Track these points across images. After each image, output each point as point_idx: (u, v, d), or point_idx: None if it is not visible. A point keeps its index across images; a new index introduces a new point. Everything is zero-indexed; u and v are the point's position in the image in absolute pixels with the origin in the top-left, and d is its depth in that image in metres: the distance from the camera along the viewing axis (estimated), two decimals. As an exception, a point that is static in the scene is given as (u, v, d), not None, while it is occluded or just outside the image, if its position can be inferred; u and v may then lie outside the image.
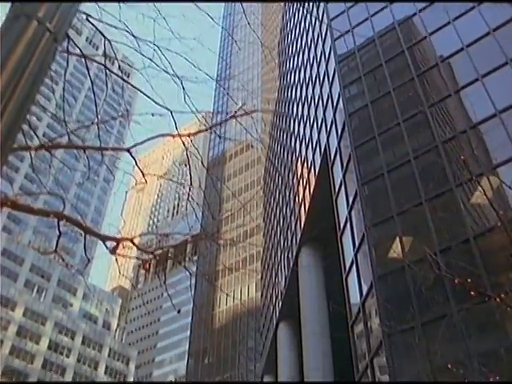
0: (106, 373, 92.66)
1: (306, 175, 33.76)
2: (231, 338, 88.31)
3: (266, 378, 46.45)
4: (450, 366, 8.54)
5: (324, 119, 29.68)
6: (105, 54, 6.94)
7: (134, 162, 7.88)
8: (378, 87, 24.68)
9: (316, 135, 31.53)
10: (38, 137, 7.43)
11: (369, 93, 24.53)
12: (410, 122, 21.46)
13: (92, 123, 8.82)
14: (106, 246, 7.34)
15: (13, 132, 2.36)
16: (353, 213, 22.56)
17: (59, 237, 7.33)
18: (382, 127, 22.33)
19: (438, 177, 18.14)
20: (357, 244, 21.15)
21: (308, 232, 31.70)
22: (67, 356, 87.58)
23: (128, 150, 7.50)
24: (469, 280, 7.96)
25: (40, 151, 6.98)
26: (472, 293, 7.98)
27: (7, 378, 77.50)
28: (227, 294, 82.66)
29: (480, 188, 14.93)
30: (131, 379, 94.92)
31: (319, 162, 29.76)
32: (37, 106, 7.65)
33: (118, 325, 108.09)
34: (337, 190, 25.37)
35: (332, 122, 27.41)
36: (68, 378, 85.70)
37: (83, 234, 7.08)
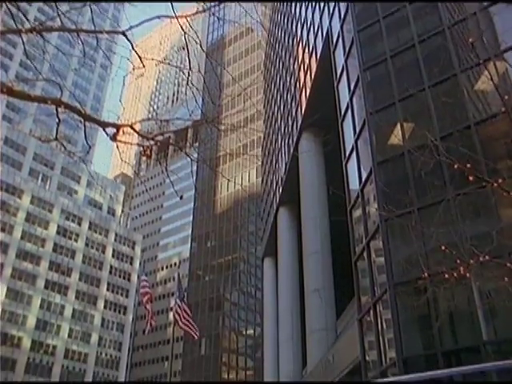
0: (113, 256, 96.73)
1: (307, 60, 32.90)
2: (232, 223, 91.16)
3: (267, 261, 48.53)
4: (443, 248, 8.86)
5: (326, 1, 28.36)
6: None
7: (130, 46, 7.65)
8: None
9: (318, 18, 30.31)
10: (28, 20, 7.15)
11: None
12: (416, 5, 20.50)
13: (84, 5, 8.44)
14: (106, 132, 7.33)
15: None
16: (354, 99, 22.27)
17: (58, 124, 7.30)
18: (387, 10, 21.37)
19: (443, 62, 17.65)
20: (357, 130, 21.10)
21: (308, 118, 31.51)
22: (75, 240, 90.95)
23: (123, 33, 7.24)
24: (468, 165, 8.02)
25: (33, 37, 6.75)
26: (470, 178, 8.07)
27: (21, 260, 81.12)
28: (228, 180, 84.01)
29: (485, 74, 14.60)
30: (137, 262, 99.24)
31: (321, 46, 28.88)
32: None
33: (122, 211, 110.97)
34: (338, 75, 24.85)
35: (335, 5, 26.22)
36: (78, 260, 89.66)
37: (83, 121, 7.04)
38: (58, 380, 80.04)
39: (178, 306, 16.07)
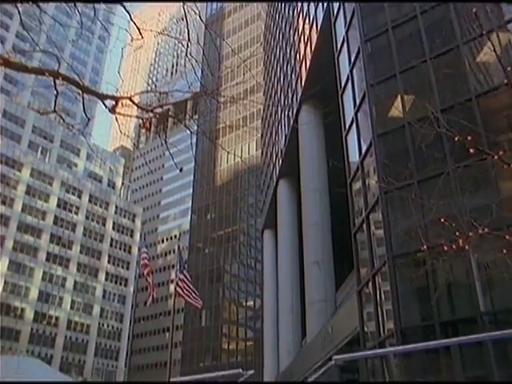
0: (113, 229, 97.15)
1: (307, 31, 32.50)
2: (232, 195, 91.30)
3: (267, 233, 48.77)
4: (442, 220, 8.89)
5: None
6: None
7: (128, 17, 7.54)
8: None
9: (319, -13, 29.83)
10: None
11: None
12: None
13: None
14: (104, 104, 7.28)
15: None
16: (354, 71, 22.06)
17: (56, 96, 7.25)
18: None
19: (445, 33, 17.42)
20: (357, 102, 20.96)
21: (308, 90, 31.27)
22: (76, 213, 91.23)
23: (121, 3, 7.14)
24: (468, 138, 7.98)
25: (29, 7, 6.65)
26: (471, 150, 8.04)
27: (22, 233, 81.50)
28: (228, 152, 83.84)
29: (488, 45, 14.41)
30: (138, 235, 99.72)
31: (321, 17, 28.49)
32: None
33: (122, 183, 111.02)
34: (339, 46, 24.56)
35: (336, -26, 25.78)
36: (78, 233, 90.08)
37: (81, 94, 6.99)
38: (61, 350, 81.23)
39: (179, 278, 16.18)
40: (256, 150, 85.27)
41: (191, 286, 16.57)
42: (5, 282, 77.58)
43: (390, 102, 19.21)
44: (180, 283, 16.04)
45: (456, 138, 8.10)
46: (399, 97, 18.45)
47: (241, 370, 11.29)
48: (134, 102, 7.51)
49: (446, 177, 13.93)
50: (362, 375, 19.23)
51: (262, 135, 60.16)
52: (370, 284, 17.99)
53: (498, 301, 14.26)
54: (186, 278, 16.40)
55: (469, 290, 14.26)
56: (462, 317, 14.83)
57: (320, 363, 22.60)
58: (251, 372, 11.47)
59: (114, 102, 7.34)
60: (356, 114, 21.20)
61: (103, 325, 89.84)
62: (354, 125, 21.42)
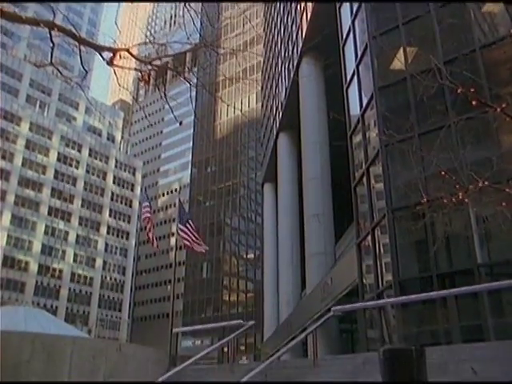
0: (114, 182, 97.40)
1: (309, -20, 31.62)
2: (232, 148, 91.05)
3: (267, 186, 48.88)
4: (443, 173, 8.89)
5: None
6: None
7: (124, -34, 7.32)
8: None
9: None
10: None
11: None
12: None
13: None
14: (102, 56, 7.17)
15: None
16: (356, 22, 21.58)
17: (53, 48, 7.12)
18: None
19: (450, -19, 16.95)
20: (359, 55, 20.62)
21: (309, 41, 30.67)
22: (76, 167, 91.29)
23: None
24: (471, 90, 7.89)
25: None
26: (473, 103, 7.96)
27: (23, 187, 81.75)
28: (228, 105, 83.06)
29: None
30: (138, 188, 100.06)
31: (324, -36, 27.66)
32: None
33: (122, 137, 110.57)
34: (341, -4, 23.96)
35: None
36: (79, 187, 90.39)
37: (78, 45, 6.87)
38: (65, 302, 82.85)
39: (180, 228, 16.30)
40: (256, 102, 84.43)
41: (195, 233, 16.69)
42: (8, 236, 78.40)
43: (392, 54, 18.89)
44: (182, 233, 16.17)
45: (458, 90, 8.00)
46: (402, 49, 18.12)
47: (241, 321, 11.52)
48: (131, 54, 7.39)
49: (447, 130, 13.83)
50: (360, 326, 19.67)
51: (262, 88, 59.44)
52: (370, 237, 18.16)
53: (494, 253, 14.44)
54: (191, 226, 16.50)
55: (467, 242, 14.41)
56: (459, 269, 15.05)
57: (319, 314, 23.07)
58: (252, 322, 11.69)
59: (111, 54, 7.23)
60: (357, 67, 20.88)
61: (106, 277, 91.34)
62: (356, 77, 21.14)
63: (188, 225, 16.48)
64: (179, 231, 16.23)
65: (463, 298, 13.81)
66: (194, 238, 16.43)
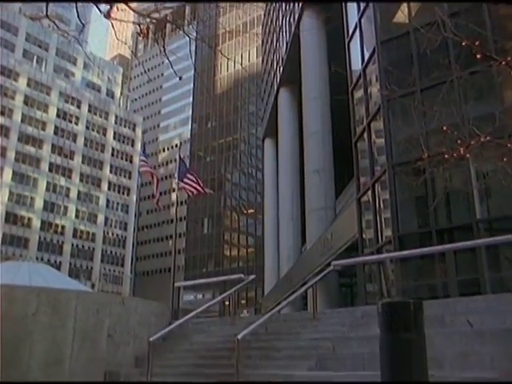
0: (114, 138, 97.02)
1: None
2: (233, 103, 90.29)
3: (267, 142, 48.69)
4: (444, 128, 8.84)
5: None
6: None
7: None
8: None
9: None
10: None
11: None
12: None
13: None
14: (99, 9, 7.02)
15: None
16: (360, -28, 21.04)
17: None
18: None
19: None
20: (361, 8, 20.19)
21: (311, -6, 29.98)
22: (76, 124, 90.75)
23: None
24: (476, 43, 7.75)
25: None
26: (478, 56, 7.83)
27: (23, 143, 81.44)
28: (228, 59, 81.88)
29: None
30: (138, 144, 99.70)
31: None
32: None
33: (121, 93, 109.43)
34: None
35: None
36: (79, 144, 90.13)
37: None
38: (68, 257, 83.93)
39: (182, 180, 16.27)
40: (256, 57, 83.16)
41: (197, 180, 16.67)
42: (10, 193, 78.71)
43: (395, 6, 18.47)
44: (186, 183, 16.16)
45: (463, 43, 7.87)
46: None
47: (242, 275, 11.70)
48: (129, 7, 7.23)
49: (450, 84, 13.67)
50: (359, 280, 19.97)
51: (262, 42, 58.40)
52: (370, 192, 18.22)
53: (493, 209, 14.53)
54: (192, 175, 16.45)
55: (466, 198, 14.47)
56: (458, 224, 15.16)
57: (319, 268, 23.38)
58: (252, 277, 11.87)
59: (108, 7, 7.08)
60: (360, 20, 20.46)
61: (108, 233, 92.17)
62: (358, 31, 20.75)
63: (189, 175, 16.43)
64: (182, 183, 16.19)
65: (461, 252, 13.97)
66: (197, 186, 16.42)
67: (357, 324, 8.60)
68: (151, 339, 8.38)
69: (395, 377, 5.03)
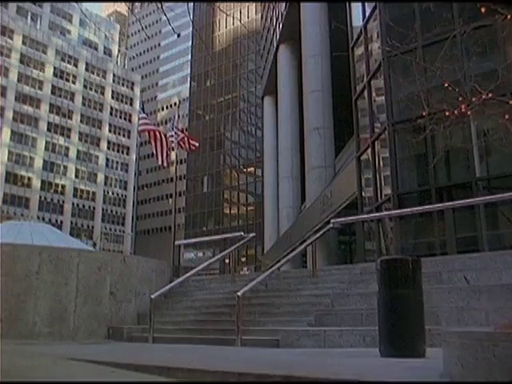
0: (112, 97, 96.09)
1: None
2: (232, 61, 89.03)
3: (267, 99, 48.25)
4: (446, 85, 8.74)
5: None
6: None
7: None
8: None
9: None
10: None
11: None
12: None
13: None
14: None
15: None
16: None
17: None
18: None
19: None
20: (364, -40, 19.67)
21: None
22: (73, 82, 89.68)
23: None
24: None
25: None
26: (482, 10, 7.68)
27: (21, 103, 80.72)
28: (227, 15, 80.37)
29: None
30: (137, 103, 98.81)
31: None
32: None
33: (118, 51, 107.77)
34: None
35: None
36: (77, 103, 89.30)
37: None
38: (69, 216, 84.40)
39: (171, 135, 16.30)
40: (256, 13, 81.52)
41: (185, 133, 16.75)
42: (9, 152, 78.52)
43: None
44: (171, 138, 16.21)
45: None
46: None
47: (242, 233, 11.79)
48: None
49: (452, 40, 13.43)
50: (358, 237, 20.14)
51: (261, -3, 57.14)
52: (370, 150, 18.17)
53: (493, 167, 14.52)
54: (178, 129, 16.50)
55: (466, 156, 14.45)
56: (457, 182, 15.18)
57: (318, 226, 23.55)
58: (252, 235, 11.98)
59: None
60: (361, -27, 19.98)
61: (108, 192, 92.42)
62: (359, -15, 20.28)
63: (175, 129, 16.46)
64: (171, 137, 16.22)
65: (460, 211, 14.03)
66: (184, 139, 16.49)
67: (355, 281, 8.73)
68: (153, 296, 8.53)
69: (393, 331, 5.15)
